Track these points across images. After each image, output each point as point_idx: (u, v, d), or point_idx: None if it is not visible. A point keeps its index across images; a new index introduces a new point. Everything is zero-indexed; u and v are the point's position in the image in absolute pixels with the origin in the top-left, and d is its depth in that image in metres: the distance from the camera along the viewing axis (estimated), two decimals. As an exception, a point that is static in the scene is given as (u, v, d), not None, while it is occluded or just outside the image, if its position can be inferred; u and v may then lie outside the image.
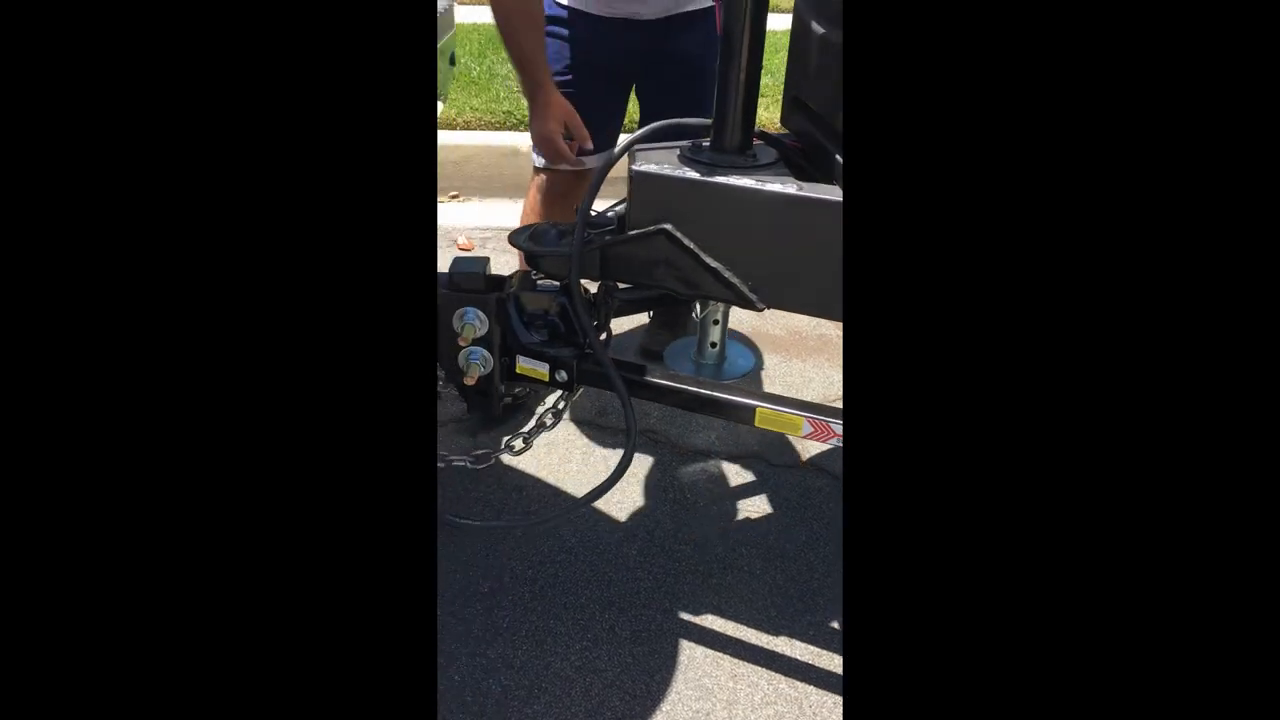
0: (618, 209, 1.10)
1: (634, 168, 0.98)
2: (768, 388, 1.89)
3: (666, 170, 0.97)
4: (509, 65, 3.73)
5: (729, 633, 1.27)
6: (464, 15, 4.51)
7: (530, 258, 1.08)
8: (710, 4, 1.59)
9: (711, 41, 1.58)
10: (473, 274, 1.08)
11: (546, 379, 1.10)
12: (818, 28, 0.98)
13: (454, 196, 3.01)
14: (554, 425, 1.19)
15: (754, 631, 1.27)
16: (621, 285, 1.14)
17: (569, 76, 1.56)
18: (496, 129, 3.15)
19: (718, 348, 1.17)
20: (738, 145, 0.99)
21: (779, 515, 1.51)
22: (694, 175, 0.96)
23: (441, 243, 2.60)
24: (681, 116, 1.03)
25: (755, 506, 1.53)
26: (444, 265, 2.71)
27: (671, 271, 1.01)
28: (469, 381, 1.10)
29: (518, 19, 1.36)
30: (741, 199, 0.95)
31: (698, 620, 1.29)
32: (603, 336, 1.12)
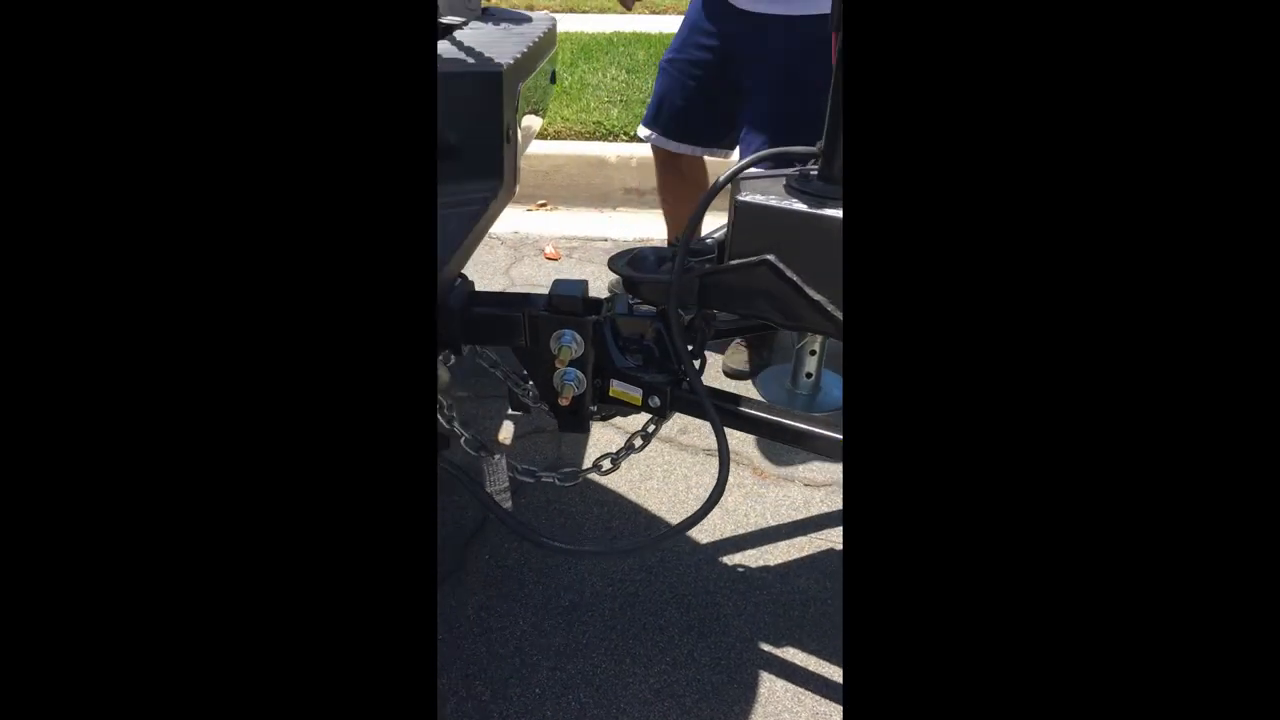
0: (717, 235, 1.10)
1: (738, 197, 0.98)
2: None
3: (772, 201, 0.96)
4: (599, 75, 3.78)
5: (810, 668, 1.25)
6: (564, 25, 4.60)
7: (629, 283, 1.09)
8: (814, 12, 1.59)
9: (807, 51, 1.59)
10: (571, 297, 1.10)
11: (640, 404, 1.10)
12: None
13: (541, 205, 3.06)
14: (642, 448, 1.19)
15: (836, 669, 1.24)
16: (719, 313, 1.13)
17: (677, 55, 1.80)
18: (586, 139, 3.20)
19: (813, 378, 1.14)
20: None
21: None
22: (800, 207, 0.95)
23: (529, 252, 2.66)
24: (769, 118, 1.01)
25: (840, 538, 1.50)
26: (530, 274, 2.74)
27: (772, 303, 1.00)
28: (563, 402, 1.12)
29: None
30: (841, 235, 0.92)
31: (779, 653, 1.27)
32: (696, 363, 1.11)
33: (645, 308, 1.11)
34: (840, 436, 1.00)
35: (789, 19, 1.65)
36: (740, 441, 1.71)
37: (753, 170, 1.02)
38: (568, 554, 1.41)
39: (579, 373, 1.12)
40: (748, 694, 1.20)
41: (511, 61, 1.35)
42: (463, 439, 1.19)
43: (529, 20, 1.72)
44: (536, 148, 3.11)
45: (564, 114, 3.29)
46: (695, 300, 1.05)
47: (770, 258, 0.97)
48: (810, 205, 0.95)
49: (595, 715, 1.17)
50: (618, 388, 1.11)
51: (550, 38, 1.68)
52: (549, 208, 3.06)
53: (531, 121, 1.67)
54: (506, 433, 1.75)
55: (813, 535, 1.50)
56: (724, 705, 1.19)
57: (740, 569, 1.42)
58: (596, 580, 1.39)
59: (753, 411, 1.05)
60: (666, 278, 1.03)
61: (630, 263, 1.10)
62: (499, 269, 2.55)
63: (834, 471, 1.64)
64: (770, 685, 1.22)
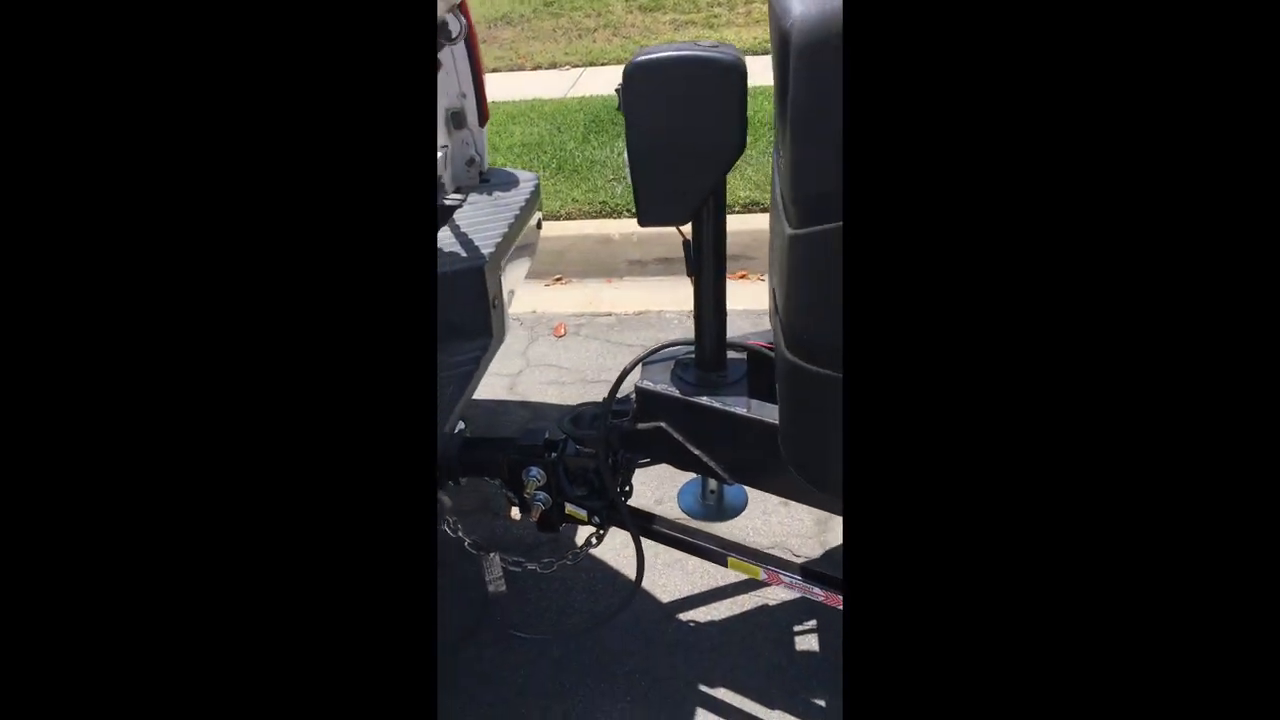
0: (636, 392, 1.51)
1: (638, 383, 1.39)
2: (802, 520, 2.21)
3: (659, 388, 1.37)
4: (607, 150, 4.18)
5: (731, 702, 1.65)
6: (580, 88, 4.99)
7: (573, 437, 1.52)
8: None
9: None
10: (534, 445, 1.53)
11: (586, 520, 1.53)
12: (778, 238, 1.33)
13: (557, 279, 3.51)
14: (597, 545, 1.62)
15: (753, 703, 1.64)
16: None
17: None
18: (593, 217, 3.63)
19: (715, 493, 1.55)
20: (711, 365, 1.37)
21: (793, 604, 1.87)
22: (676, 393, 1.36)
23: (542, 331, 3.10)
24: None
25: (773, 595, 1.89)
26: (543, 353, 3.14)
27: (670, 453, 1.41)
28: (533, 518, 1.55)
29: None
30: (708, 414, 1.33)
31: (712, 692, 1.68)
32: (627, 487, 1.53)
33: (587, 450, 1.53)
34: (721, 550, 1.41)
35: None
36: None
37: (654, 359, 1.43)
38: (531, 640, 1.80)
39: (545, 495, 1.56)
40: (685, 724, 1.62)
41: (494, 249, 1.80)
42: (466, 542, 1.64)
43: (517, 184, 2.16)
44: (552, 229, 3.55)
45: (574, 195, 3.72)
46: (618, 447, 1.47)
47: (663, 425, 1.38)
48: (684, 392, 1.35)
49: (573, 741, 1.60)
50: (570, 508, 1.54)
51: (534, 199, 2.12)
52: (563, 282, 3.51)
53: (522, 264, 2.12)
54: (517, 512, 2.20)
55: (750, 594, 1.90)
56: (667, 733, 1.60)
57: (690, 624, 1.82)
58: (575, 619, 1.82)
59: (666, 530, 1.46)
60: (595, 434, 1.45)
61: (574, 420, 1.52)
62: (518, 351, 3.01)
63: (777, 533, 2.03)
64: (704, 718, 1.63)
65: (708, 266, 1.28)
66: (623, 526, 1.49)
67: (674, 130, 1.13)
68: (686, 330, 3.08)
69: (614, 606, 1.51)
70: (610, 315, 3.20)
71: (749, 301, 3.23)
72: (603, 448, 1.44)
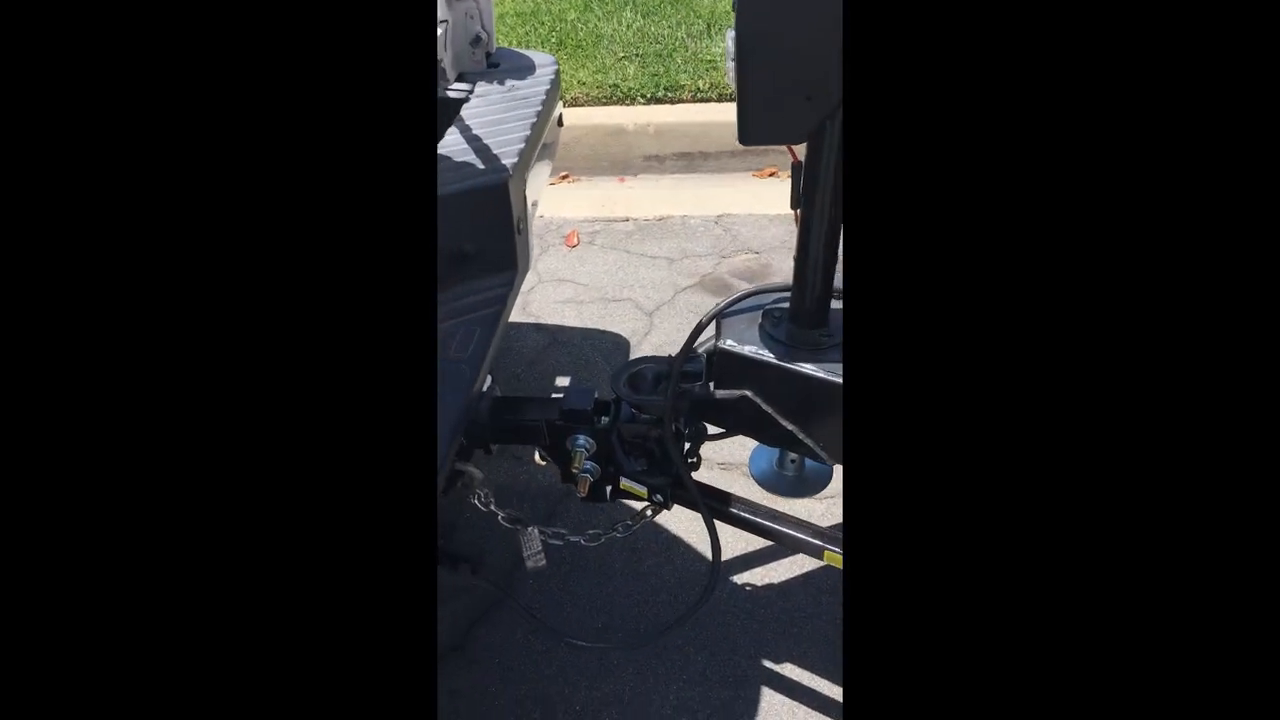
0: (708, 347, 1.23)
1: (718, 344, 1.11)
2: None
3: (747, 350, 1.09)
4: (613, 23, 3.68)
5: (809, 684, 1.48)
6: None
7: (633, 404, 1.25)
8: None
9: None
10: (581, 409, 1.26)
11: (646, 497, 1.29)
12: None
13: (564, 177, 3.13)
14: (655, 515, 1.39)
15: (833, 685, 1.48)
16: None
17: None
18: (602, 104, 3.20)
19: (796, 461, 1.31)
20: (813, 321, 1.09)
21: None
22: (769, 357, 1.08)
23: (553, 240, 2.77)
24: None
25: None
26: (555, 267, 2.85)
27: (753, 425, 1.15)
28: (581, 493, 1.31)
29: None
30: (809, 383, 1.06)
31: (780, 669, 1.51)
32: (693, 460, 1.28)
33: (646, 416, 1.27)
34: (818, 542, 1.18)
35: None
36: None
37: (732, 311, 1.14)
38: (583, 649, 1.56)
39: (594, 465, 1.30)
40: (753, 708, 1.46)
41: (516, 158, 1.45)
42: (500, 516, 1.40)
43: (533, 70, 1.77)
44: (555, 118, 3.13)
45: (580, 76, 3.27)
46: (687, 417, 1.21)
47: (748, 393, 1.12)
48: (779, 356, 1.08)
49: (626, 727, 1.44)
50: (626, 483, 1.30)
51: (555, 89, 1.74)
52: (571, 180, 3.13)
53: (544, 169, 1.76)
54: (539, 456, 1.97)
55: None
56: (733, 719, 1.45)
57: (747, 588, 1.64)
58: (625, 603, 1.63)
59: (742, 513, 1.22)
60: (662, 401, 1.19)
61: (630, 381, 1.25)
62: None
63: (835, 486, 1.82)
64: (771, 700, 1.47)
65: (823, 199, 0.98)
66: (691, 507, 1.26)
67: (803, 11, 0.80)
68: (717, 238, 2.76)
69: (688, 607, 1.29)
70: (627, 221, 2.86)
71: (782, 204, 2.90)
72: (669, 421, 1.17)
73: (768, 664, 1.51)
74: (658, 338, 2.30)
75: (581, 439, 1.28)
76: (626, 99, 3.18)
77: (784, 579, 1.65)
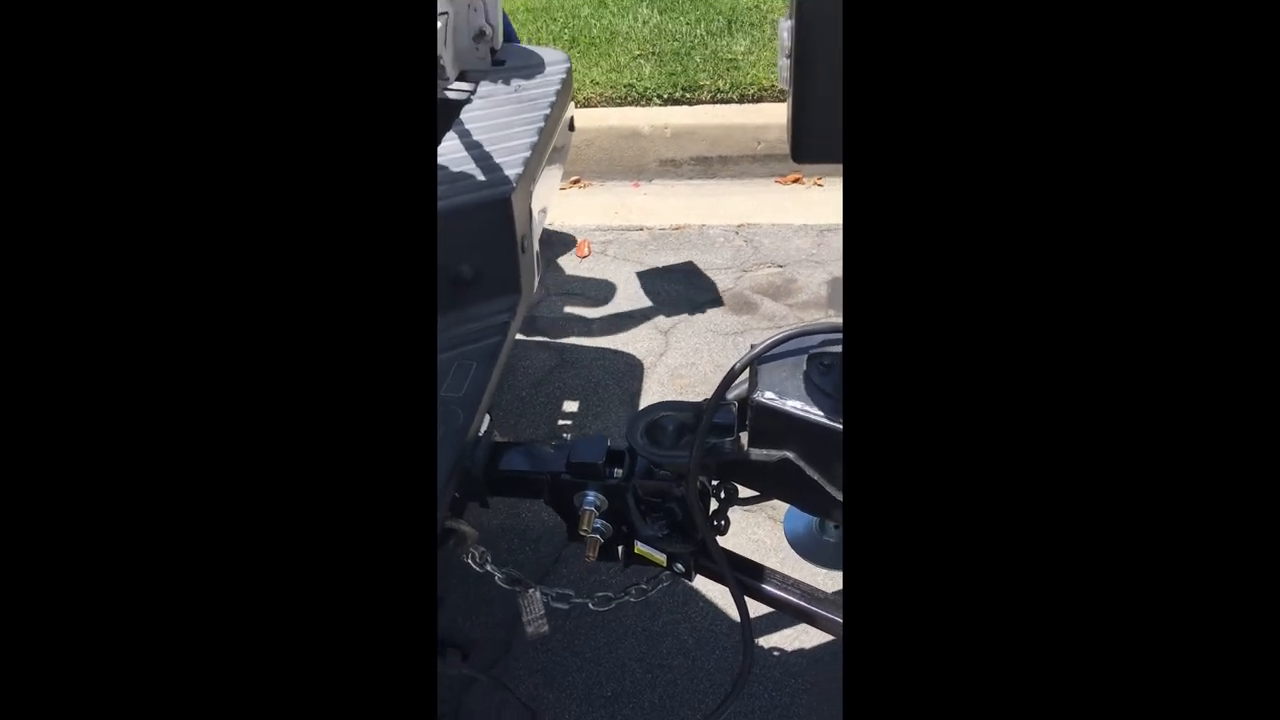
0: (738, 395, 1.06)
1: (755, 396, 0.93)
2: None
3: (790, 406, 0.92)
4: (628, 20, 3.51)
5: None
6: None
7: (651, 462, 1.07)
8: None
9: None
10: (591, 463, 1.09)
11: (664, 565, 1.11)
12: None
13: (575, 181, 2.95)
14: (671, 580, 1.22)
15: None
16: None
17: None
18: (617, 104, 3.02)
19: (841, 528, 1.13)
20: (871, 372, 0.91)
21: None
22: (818, 415, 0.90)
23: (560, 248, 2.59)
24: None
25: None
26: (563, 281, 2.69)
27: (795, 493, 0.98)
28: (590, 556, 1.14)
29: None
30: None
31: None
32: (720, 522, 1.11)
33: (665, 473, 1.09)
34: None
35: None
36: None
37: (771, 357, 0.97)
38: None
39: (605, 524, 1.13)
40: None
41: (522, 168, 1.28)
42: (497, 576, 1.23)
43: (542, 68, 1.60)
44: (566, 118, 2.97)
45: (593, 75, 3.10)
46: (715, 474, 1.04)
47: (790, 455, 0.94)
48: (828, 413, 0.90)
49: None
50: (642, 548, 1.12)
51: (566, 89, 1.57)
52: (582, 185, 2.96)
53: (554, 176, 1.59)
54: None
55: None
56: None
57: (774, 654, 1.46)
58: (637, 668, 1.46)
59: (775, 590, 1.05)
60: (685, 458, 1.01)
61: (648, 433, 1.07)
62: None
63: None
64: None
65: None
66: (718, 579, 1.08)
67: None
68: (738, 250, 2.58)
69: (718, 701, 1.10)
70: (641, 230, 2.68)
71: (807, 214, 2.72)
72: (693, 478, 1.00)
73: (796, 740, 1.34)
74: (674, 359, 2.12)
75: (591, 496, 1.10)
76: (642, 99, 3.01)
77: (816, 643, 1.47)
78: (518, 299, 1.29)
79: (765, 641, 1.48)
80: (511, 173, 1.25)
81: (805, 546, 1.16)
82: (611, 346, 2.18)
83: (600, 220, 2.72)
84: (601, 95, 3.04)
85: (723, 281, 2.41)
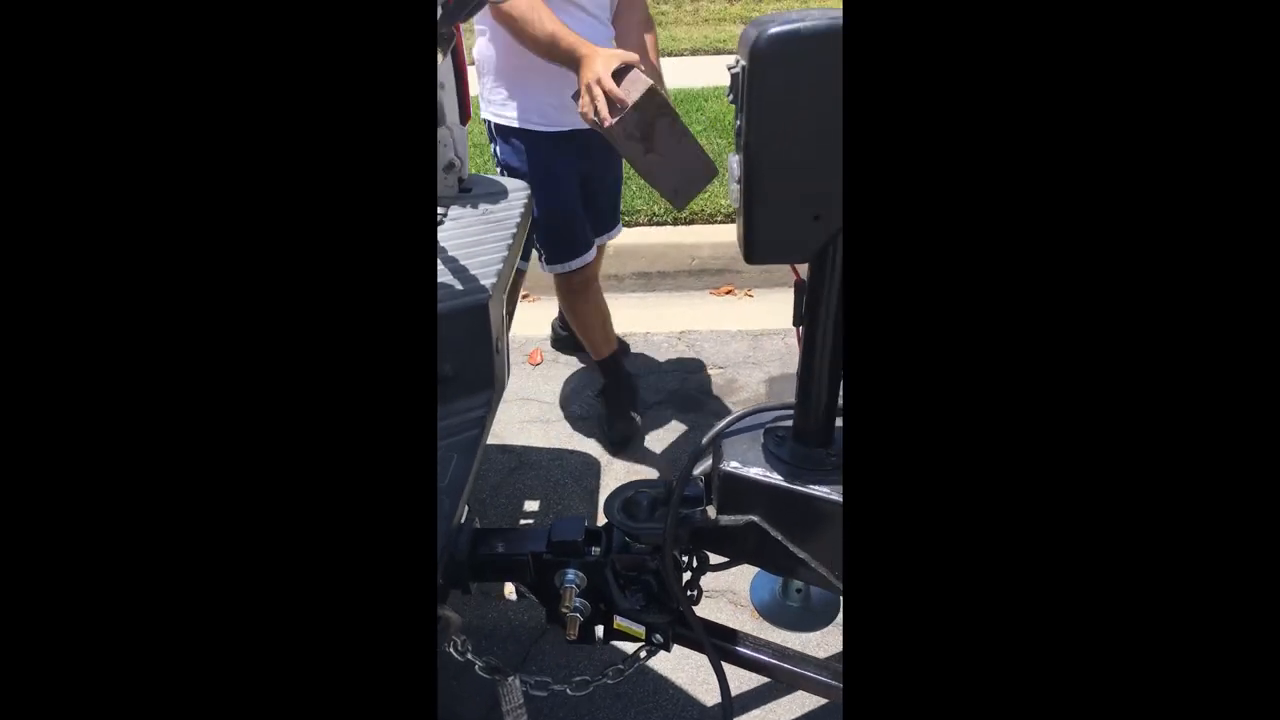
0: (707, 471, 1.17)
1: (721, 466, 1.05)
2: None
3: (753, 473, 1.04)
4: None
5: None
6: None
7: (627, 532, 1.16)
8: None
9: None
10: (571, 541, 1.17)
11: (643, 638, 1.18)
12: None
13: (524, 297, 3.12)
14: (649, 658, 1.27)
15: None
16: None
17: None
18: (562, 226, 3.25)
19: (802, 591, 1.23)
20: (819, 440, 1.05)
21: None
22: (778, 479, 1.03)
23: (515, 358, 2.71)
24: None
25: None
26: (516, 387, 2.78)
27: (762, 554, 1.08)
28: (570, 635, 1.19)
29: (536, 9, 1.57)
30: (819, 506, 1.01)
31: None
32: (693, 592, 1.19)
33: (641, 546, 1.18)
34: (838, 684, 1.09)
35: None
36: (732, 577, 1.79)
37: (731, 432, 1.10)
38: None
39: (584, 603, 1.19)
40: None
41: (495, 279, 1.42)
42: (477, 665, 1.26)
43: (505, 194, 1.78)
44: (514, 240, 3.16)
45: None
46: (688, 545, 1.13)
47: (756, 519, 1.05)
48: (786, 477, 1.03)
49: None
50: (621, 623, 1.19)
51: (528, 214, 1.74)
52: (531, 299, 3.12)
53: (518, 290, 1.74)
54: (511, 589, 1.82)
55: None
56: None
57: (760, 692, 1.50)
58: (611, 757, 1.46)
59: (751, 653, 1.13)
60: (659, 529, 1.11)
61: (624, 508, 1.17)
62: (488, 383, 2.61)
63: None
64: None
65: (827, 317, 0.96)
66: (695, 647, 1.15)
67: (811, 130, 0.81)
68: (681, 355, 2.76)
69: None
70: (590, 338, 2.83)
71: (741, 321, 2.94)
72: (669, 546, 1.09)
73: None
74: (629, 455, 2.23)
75: (571, 574, 1.17)
76: (585, 222, 3.24)
77: (792, 717, 1.52)
78: (492, 394, 1.40)
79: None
80: (487, 282, 1.39)
81: (772, 614, 1.25)
82: (568, 447, 2.27)
83: (550, 331, 2.86)
84: (547, 218, 3.27)
85: (669, 383, 2.56)
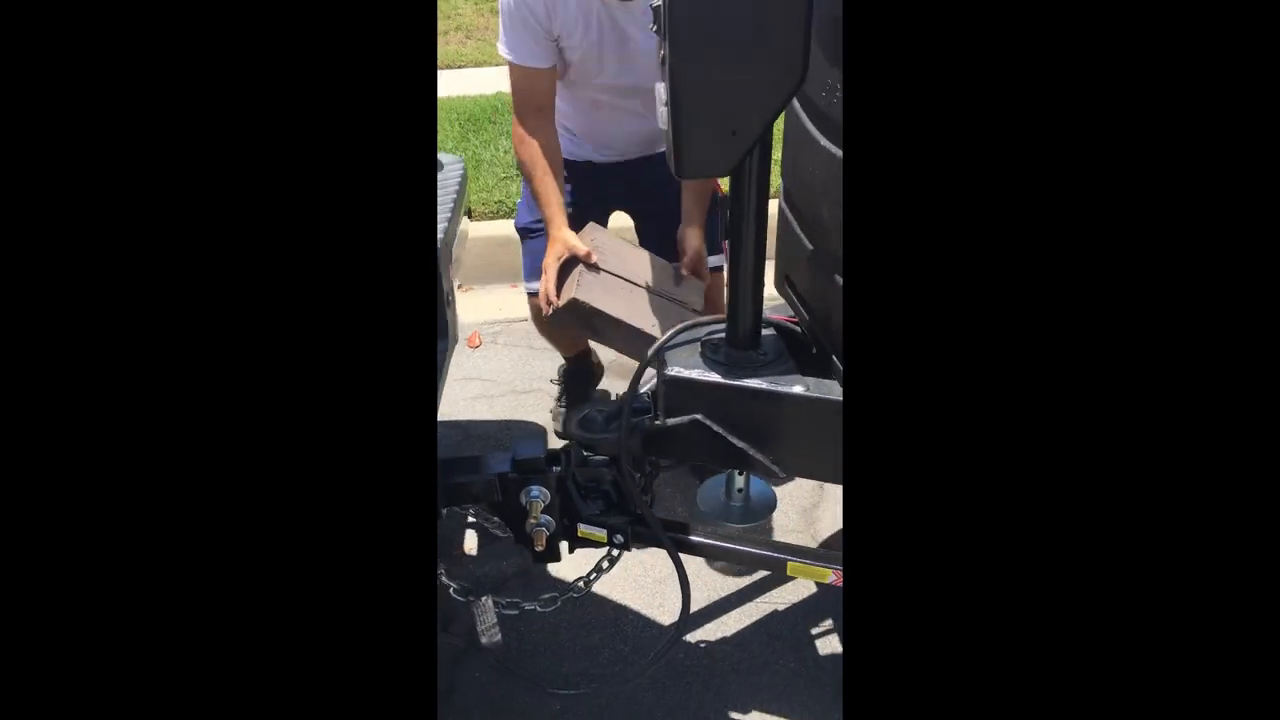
0: (650, 387, 1.30)
1: (665, 372, 1.18)
2: (787, 514, 2.05)
3: (694, 374, 1.17)
4: (491, 150, 3.90)
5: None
6: (442, 91, 4.66)
7: (585, 444, 1.28)
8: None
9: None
10: (534, 458, 1.27)
11: (606, 541, 1.29)
12: (806, 219, 1.17)
13: (459, 286, 3.18)
14: (609, 569, 1.39)
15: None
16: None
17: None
18: (490, 219, 3.34)
19: (743, 491, 1.37)
20: (749, 343, 1.19)
21: (805, 605, 1.72)
22: (716, 378, 1.16)
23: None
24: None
25: (782, 597, 1.73)
26: (459, 364, 2.82)
27: (706, 450, 1.21)
28: (538, 547, 1.29)
29: (535, 166, 1.69)
30: (758, 398, 1.15)
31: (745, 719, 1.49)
32: (648, 497, 1.32)
33: (598, 457, 1.30)
34: (782, 557, 1.23)
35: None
36: (683, 513, 1.92)
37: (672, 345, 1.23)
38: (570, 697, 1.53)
39: (549, 518, 1.30)
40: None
41: (443, 234, 1.51)
42: (451, 588, 1.34)
43: (442, 166, 1.87)
44: (444, 233, 3.23)
45: (468, 193, 3.41)
46: (640, 451, 1.25)
47: (699, 417, 1.18)
48: (725, 375, 1.16)
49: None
50: (585, 529, 1.30)
51: (464, 186, 1.84)
52: (466, 289, 3.19)
53: (459, 258, 1.83)
54: (471, 543, 1.90)
55: (758, 600, 1.73)
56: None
57: (704, 645, 1.63)
58: (579, 679, 1.57)
59: (704, 540, 1.26)
60: (615, 436, 1.23)
61: (581, 424, 1.28)
62: (430, 366, 2.67)
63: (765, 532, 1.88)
64: (743, 748, 1.44)
65: (748, 227, 1.11)
66: (655, 543, 1.27)
67: (729, 57, 0.95)
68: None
69: (662, 644, 1.26)
70: (526, 321, 2.91)
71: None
72: (624, 452, 1.21)
73: (734, 716, 1.49)
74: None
75: (536, 489, 1.28)
76: (512, 213, 3.34)
77: (734, 631, 1.65)
78: (446, 344, 1.49)
79: (694, 635, 1.64)
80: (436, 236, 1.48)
81: (717, 514, 1.38)
82: (515, 417, 2.36)
83: (487, 316, 2.94)
84: (477, 212, 3.36)
85: (605, 354, 2.68)
